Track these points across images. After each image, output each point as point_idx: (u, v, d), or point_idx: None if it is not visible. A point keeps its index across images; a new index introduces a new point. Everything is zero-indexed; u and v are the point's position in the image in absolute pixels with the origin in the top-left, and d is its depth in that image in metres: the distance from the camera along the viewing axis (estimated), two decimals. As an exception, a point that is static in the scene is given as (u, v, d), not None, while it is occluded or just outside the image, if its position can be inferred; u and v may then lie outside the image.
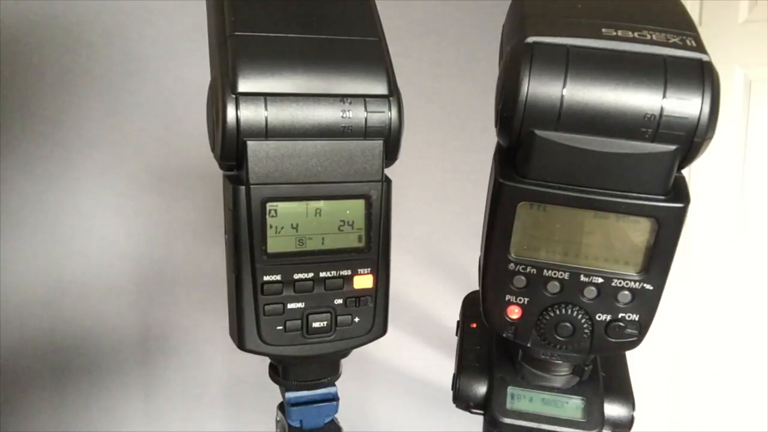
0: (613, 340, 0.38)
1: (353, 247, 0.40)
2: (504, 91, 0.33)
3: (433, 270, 1.22)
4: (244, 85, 0.34)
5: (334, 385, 0.46)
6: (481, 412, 0.45)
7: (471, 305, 0.52)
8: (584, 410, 0.43)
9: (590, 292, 0.37)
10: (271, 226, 0.37)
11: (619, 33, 0.32)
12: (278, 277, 0.38)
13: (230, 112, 0.34)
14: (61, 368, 0.94)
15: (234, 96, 0.34)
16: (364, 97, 0.37)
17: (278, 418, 0.47)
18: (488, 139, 0.39)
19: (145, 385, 1.01)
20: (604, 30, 0.33)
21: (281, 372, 0.45)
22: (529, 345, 0.39)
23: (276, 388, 0.46)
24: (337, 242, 0.39)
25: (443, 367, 0.56)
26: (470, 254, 0.47)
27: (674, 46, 0.32)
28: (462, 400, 0.45)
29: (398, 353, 1.23)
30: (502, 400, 0.44)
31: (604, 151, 0.32)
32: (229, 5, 0.36)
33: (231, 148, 0.35)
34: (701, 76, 0.31)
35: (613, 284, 0.36)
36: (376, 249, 0.40)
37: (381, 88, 0.37)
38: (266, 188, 0.36)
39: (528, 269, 0.37)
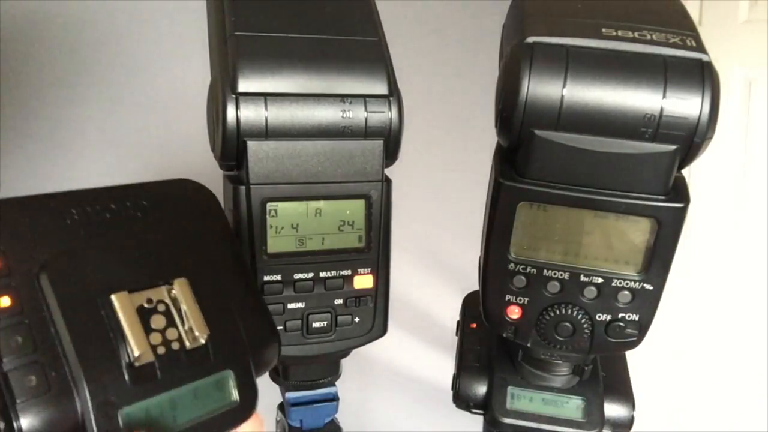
0: (613, 340, 0.38)
1: (353, 247, 0.40)
2: (504, 91, 0.33)
3: (433, 270, 1.22)
4: (244, 85, 0.34)
5: (334, 385, 0.46)
6: (481, 412, 0.45)
7: (471, 305, 0.52)
8: (584, 410, 0.43)
9: (590, 292, 0.37)
10: (271, 226, 0.37)
11: (619, 33, 0.32)
12: (278, 277, 0.38)
13: (230, 112, 0.34)
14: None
15: (234, 96, 0.34)
16: (364, 97, 0.37)
17: (278, 418, 0.47)
18: (488, 139, 0.39)
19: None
20: (604, 30, 0.33)
21: (281, 372, 0.45)
22: (529, 345, 0.39)
23: (276, 388, 0.46)
24: (338, 242, 0.39)
25: (443, 367, 0.56)
26: (470, 254, 0.47)
27: (674, 46, 0.32)
28: (462, 400, 0.45)
29: (398, 353, 1.22)
30: (502, 400, 0.44)
31: (604, 151, 0.32)
32: (229, 5, 0.36)
33: (231, 148, 0.35)
34: (701, 76, 0.31)
35: (613, 284, 0.36)
36: (376, 249, 0.40)
37: (381, 88, 0.37)
38: (266, 188, 0.36)
39: (528, 269, 0.37)
